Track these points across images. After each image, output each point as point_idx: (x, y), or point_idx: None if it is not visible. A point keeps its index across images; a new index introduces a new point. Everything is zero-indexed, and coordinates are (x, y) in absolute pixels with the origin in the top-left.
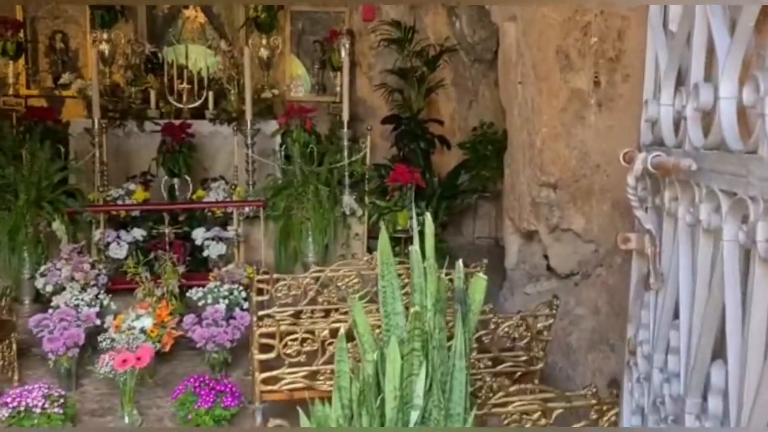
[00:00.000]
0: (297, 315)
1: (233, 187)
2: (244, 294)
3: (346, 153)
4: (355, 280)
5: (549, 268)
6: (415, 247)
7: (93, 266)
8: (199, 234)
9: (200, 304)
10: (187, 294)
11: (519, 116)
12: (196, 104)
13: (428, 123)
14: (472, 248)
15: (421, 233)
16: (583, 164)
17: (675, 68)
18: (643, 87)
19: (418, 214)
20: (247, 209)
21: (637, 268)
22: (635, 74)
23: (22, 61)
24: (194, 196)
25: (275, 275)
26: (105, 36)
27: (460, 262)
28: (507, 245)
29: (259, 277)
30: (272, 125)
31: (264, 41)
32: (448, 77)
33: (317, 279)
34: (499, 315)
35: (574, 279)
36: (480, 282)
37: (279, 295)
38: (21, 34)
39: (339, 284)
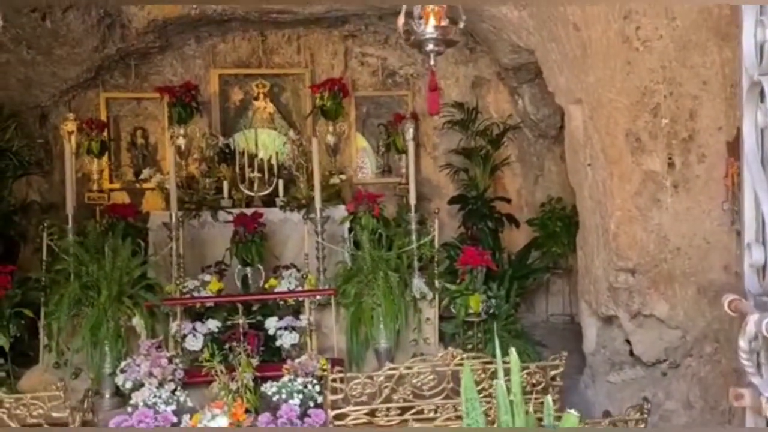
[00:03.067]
0: (372, 413)
1: (304, 275)
2: (318, 388)
3: (414, 237)
4: (431, 377)
5: (632, 354)
6: (500, 381)
7: (170, 361)
8: (272, 324)
9: (274, 399)
10: (262, 388)
11: (590, 198)
12: (267, 191)
13: (495, 201)
14: (546, 326)
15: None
16: (663, 248)
17: None
18: (744, 227)
19: (490, 297)
20: (318, 297)
21: (754, 424)
22: (711, 153)
23: (105, 157)
24: (267, 285)
25: (349, 374)
26: (182, 131)
27: (550, 398)
28: (584, 328)
29: (333, 376)
30: (341, 210)
31: (330, 128)
32: (513, 154)
33: (391, 377)
34: (587, 420)
35: (661, 368)
36: (571, 419)
37: (353, 393)
38: (105, 134)
39: (414, 381)
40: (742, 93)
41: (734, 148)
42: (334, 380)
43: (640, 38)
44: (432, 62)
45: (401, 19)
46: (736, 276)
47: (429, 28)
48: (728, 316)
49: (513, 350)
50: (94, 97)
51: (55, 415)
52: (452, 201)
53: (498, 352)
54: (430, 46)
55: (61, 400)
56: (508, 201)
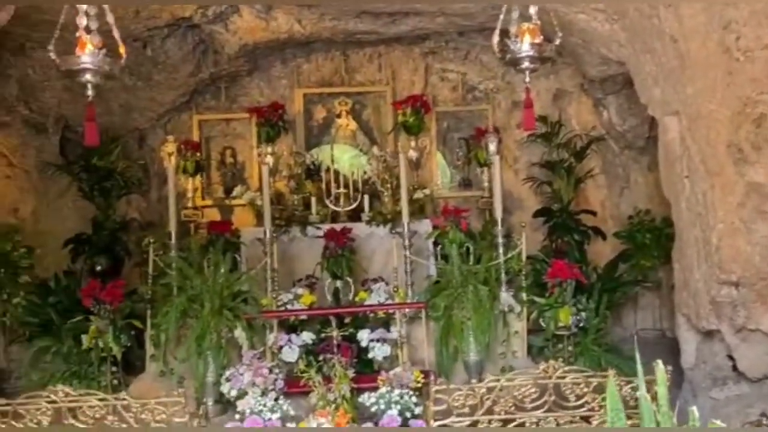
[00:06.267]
0: (474, 425)
1: (395, 288)
2: (414, 399)
3: (501, 250)
4: (532, 390)
5: (735, 369)
6: (642, 392)
7: (271, 371)
8: (364, 336)
9: (372, 410)
10: (359, 399)
11: (688, 210)
12: (352, 207)
13: (581, 214)
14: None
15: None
16: None
17: None
18: None
19: (579, 310)
20: (407, 310)
21: None
22: None
23: (198, 176)
24: (357, 298)
25: (451, 386)
26: (270, 149)
27: (695, 409)
28: (682, 343)
29: (437, 387)
30: (425, 224)
31: (412, 143)
32: (596, 166)
33: (492, 389)
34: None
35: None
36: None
37: (455, 404)
38: (199, 153)
39: (515, 393)
40: None
41: None
42: (437, 391)
43: (741, 48)
44: (527, 79)
45: (496, 38)
46: None
47: (525, 46)
48: None
49: (659, 364)
50: (187, 119)
51: (176, 420)
52: (537, 214)
53: (639, 367)
54: (526, 64)
55: (182, 405)
56: (594, 213)
